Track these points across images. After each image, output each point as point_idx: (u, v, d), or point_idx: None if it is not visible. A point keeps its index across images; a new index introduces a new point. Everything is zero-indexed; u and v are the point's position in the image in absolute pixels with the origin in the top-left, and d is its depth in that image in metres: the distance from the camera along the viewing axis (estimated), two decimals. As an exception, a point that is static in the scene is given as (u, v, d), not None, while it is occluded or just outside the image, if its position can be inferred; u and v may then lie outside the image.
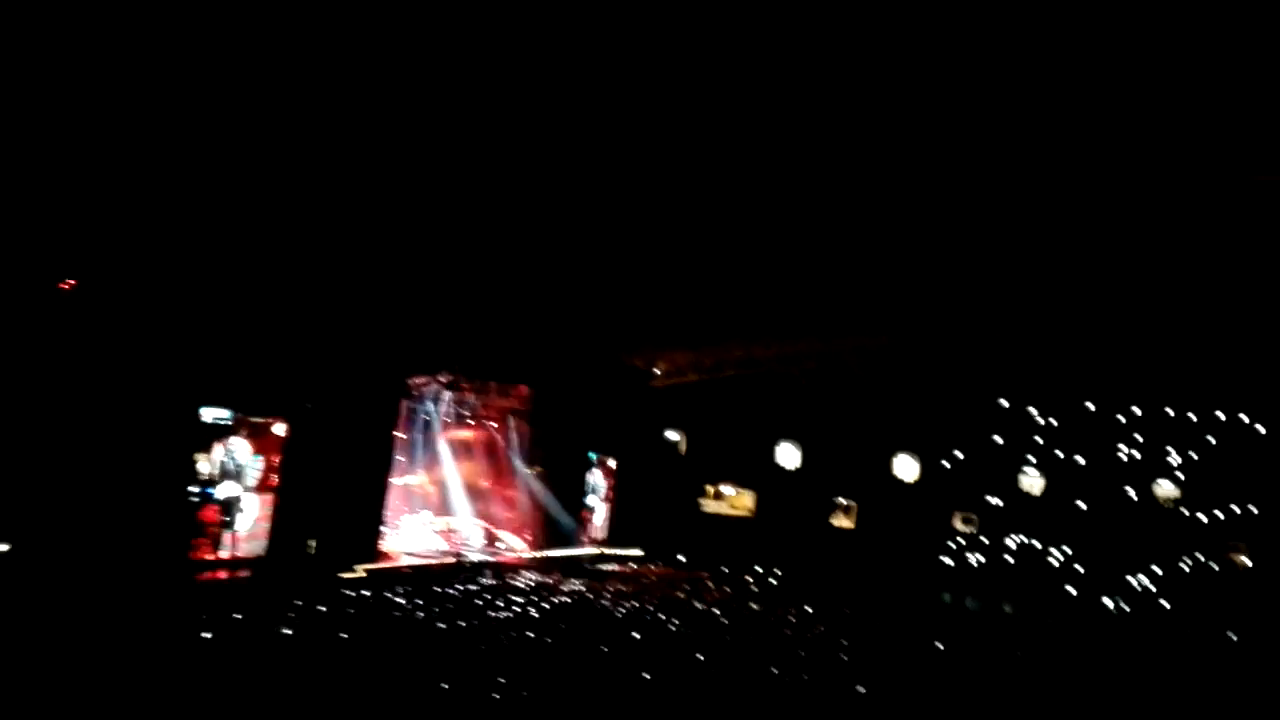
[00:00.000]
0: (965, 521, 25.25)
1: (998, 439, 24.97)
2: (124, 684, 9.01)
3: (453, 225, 16.64)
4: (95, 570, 12.41)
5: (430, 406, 22.26)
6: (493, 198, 16.37)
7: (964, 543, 25.03)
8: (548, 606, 15.25)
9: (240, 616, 11.74)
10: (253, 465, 15.77)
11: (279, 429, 16.19)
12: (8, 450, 12.19)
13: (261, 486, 15.85)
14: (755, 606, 17.65)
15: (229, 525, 15.31)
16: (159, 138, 12.96)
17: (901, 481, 25.72)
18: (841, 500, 26.13)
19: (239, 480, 15.48)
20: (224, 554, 15.23)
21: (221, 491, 15.19)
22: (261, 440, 15.97)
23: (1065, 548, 23.85)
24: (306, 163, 14.40)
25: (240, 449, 15.58)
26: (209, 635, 10.81)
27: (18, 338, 12.46)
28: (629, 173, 16.02)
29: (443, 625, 12.74)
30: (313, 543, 16.33)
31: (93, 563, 12.54)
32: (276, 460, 16.09)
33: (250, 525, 15.67)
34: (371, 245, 16.37)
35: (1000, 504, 24.82)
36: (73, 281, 13.29)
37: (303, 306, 16.03)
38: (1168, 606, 22.07)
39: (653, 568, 22.93)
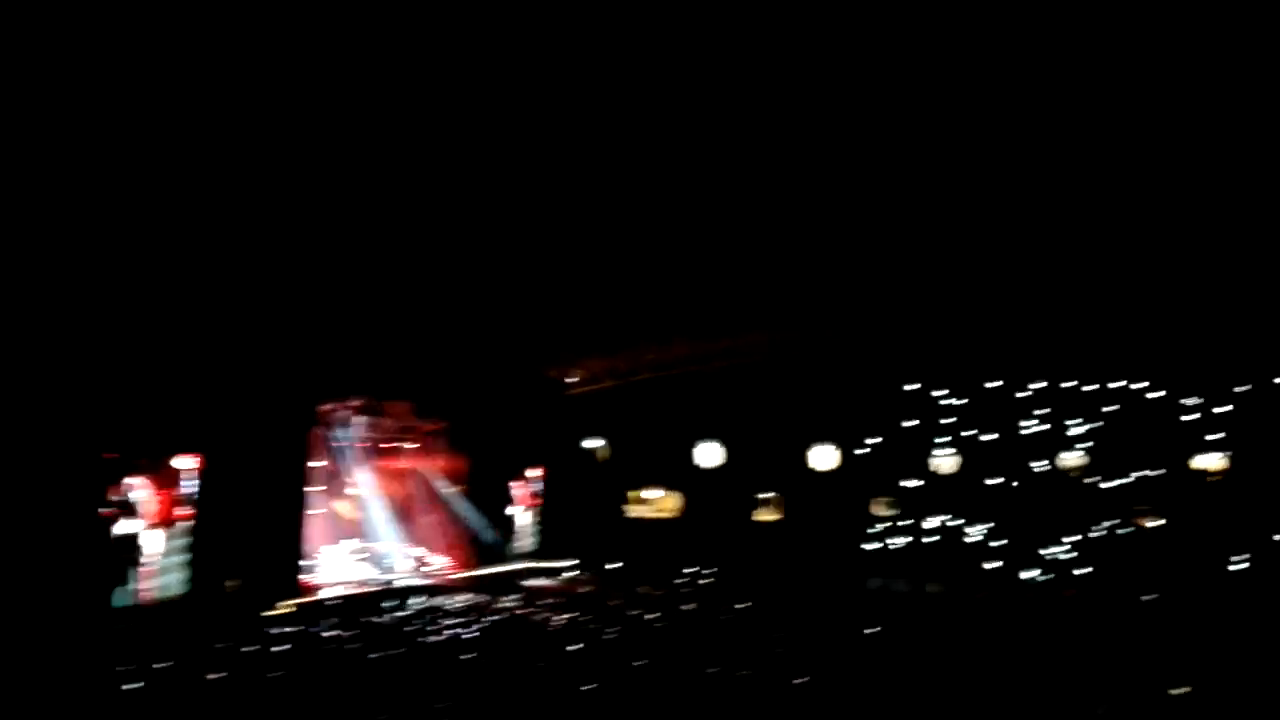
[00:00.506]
0: (885, 506, 25.75)
1: (909, 423, 25.54)
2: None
3: (354, 249, 16.34)
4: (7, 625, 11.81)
5: (344, 432, 21.79)
6: (391, 220, 16.13)
7: (885, 527, 25.53)
8: (481, 626, 15.04)
9: (164, 664, 11.29)
10: (160, 506, 15.22)
11: (187, 466, 15.65)
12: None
13: (172, 528, 15.30)
14: (689, 607, 17.71)
15: (141, 569, 14.74)
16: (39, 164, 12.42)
17: (821, 471, 26.12)
18: (765, 494, 26.41)
19: (148, 523, 14.91)
20: (140, 599, 14.65)
21: (130, 535, 14.61)
22: (168, 480, 15.42)
23: (982, 524, 24.52)
24: (200, 192, 13.98)
25: (146, 491, 15.01)
26: (134, 686, 10.38)
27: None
28: (528, 187, 15.98)
29: (375, 655, 12.46)
30: (232, 582, 15.81)
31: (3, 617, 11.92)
32: (186, 499, 15.56)
33: (164, 568, 15.11)
34: (270, 273, 15.96)
35: (917, 486, 25.39)
36: None
37: (203, 338, 15.52)
38: (1082, 573, 22.84)
39: (584, 577, 22.85)
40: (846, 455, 26.06)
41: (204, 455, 15.80)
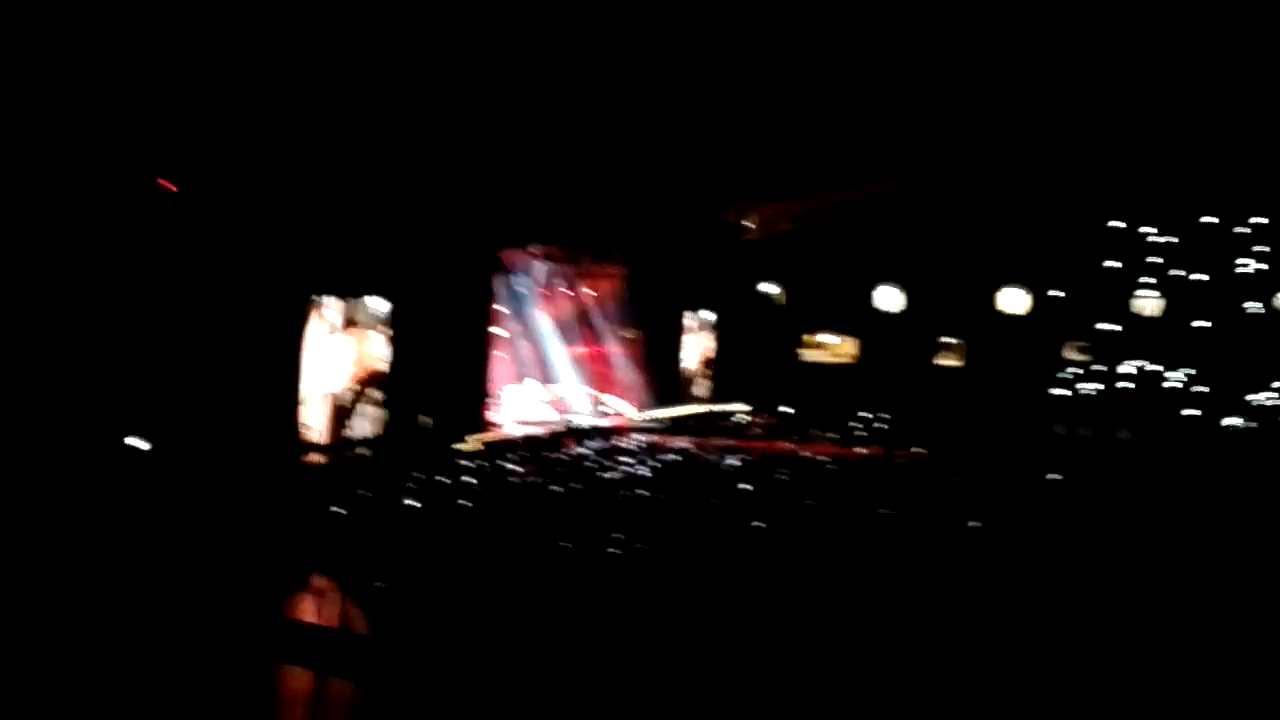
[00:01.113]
0: (1078, 351, 24.57)
1: (1111, 263, 23.97)
2: (269, 561, 9.59)
3: (528, 94, 16.36)
4: (223, 460, 13.05)
5: (525, 277, 22.42)
6: (564, 63, 15.99)
7: (1077, 372, 24.43)
8: (657, 464, 15.54)
9: (365, 491, 12.26)
10: (358, 346, 16.22)
11: (381, 308, 16.54)
12: (135, 348, 12.72)
13: (369, 366, 16.34)
14: (863, 451, 17.68)
15: (344, 406, 15.90)
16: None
17: (1010, 315, 25.08)
18: (947, 339, 25.66)
19: (347, 361, 15.97)
20: (342, 433, 15.86)
21: (332, 373, 15.71)
22: (364, 321, 16.36)
23: (1185, 370, 23.05)
24: (384, 46, 14.24)
25: (345, 331, 16.00)
26: (340, 510, 11.36)
27: (126, 234, 12.82)
28: (700, 27, 15.45)
29: (557, 488, 13.11)
30: (426, 418, 16.87)
31: (219, 453, 13.16)
32: (381, 340, 16.52)
33: (359, 405, 16.24)
34: (453, 119, 16.25)
35: (1115, 330, 24.01)
36: (171, 187, 13.57)
37: (393, 186, 16.11)
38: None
39: (758, 421, 23.07)
40: (1038, 298, 24.86)
41: (395, 299, 16.65)
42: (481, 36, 14.81)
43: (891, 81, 17.56)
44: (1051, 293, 24.64)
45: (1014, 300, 25.11)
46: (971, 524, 11.46)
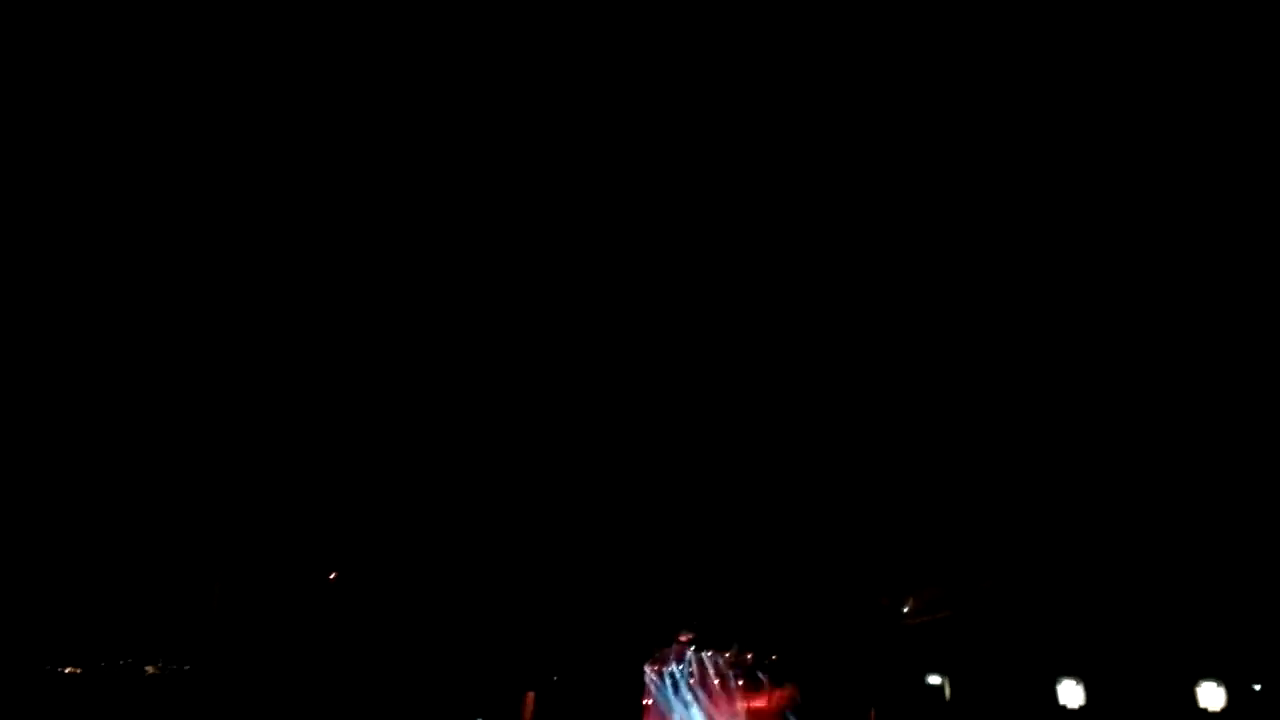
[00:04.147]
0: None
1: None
2: None
3: (683, 488, 16.81)
4: None
5: (675, 668, 21.83)
6: (718, 456, 16.49)
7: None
8: None
9: None
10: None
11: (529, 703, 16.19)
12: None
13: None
14: None
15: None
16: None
17: (1212, 713, 22.47)
18: (1140, 741, 22.98)
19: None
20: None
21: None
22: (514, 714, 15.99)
23: None
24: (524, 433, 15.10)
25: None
26: None
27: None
28: (853, 411, 15.84)
29: None
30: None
31: None
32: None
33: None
34: (610, 517, 16.72)
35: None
36: (332, 576, 14.24)
37: (541, 582, 16.41)
38: None
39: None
40: (1239, 692, 22.35)
41: (542, 693, 16.36)
42: (636, 428, 15.57)
43: (1061, 460, 17.26)
44: (1253, 687, 22.14)
45: (1213, 695, 22.66)
46: None
